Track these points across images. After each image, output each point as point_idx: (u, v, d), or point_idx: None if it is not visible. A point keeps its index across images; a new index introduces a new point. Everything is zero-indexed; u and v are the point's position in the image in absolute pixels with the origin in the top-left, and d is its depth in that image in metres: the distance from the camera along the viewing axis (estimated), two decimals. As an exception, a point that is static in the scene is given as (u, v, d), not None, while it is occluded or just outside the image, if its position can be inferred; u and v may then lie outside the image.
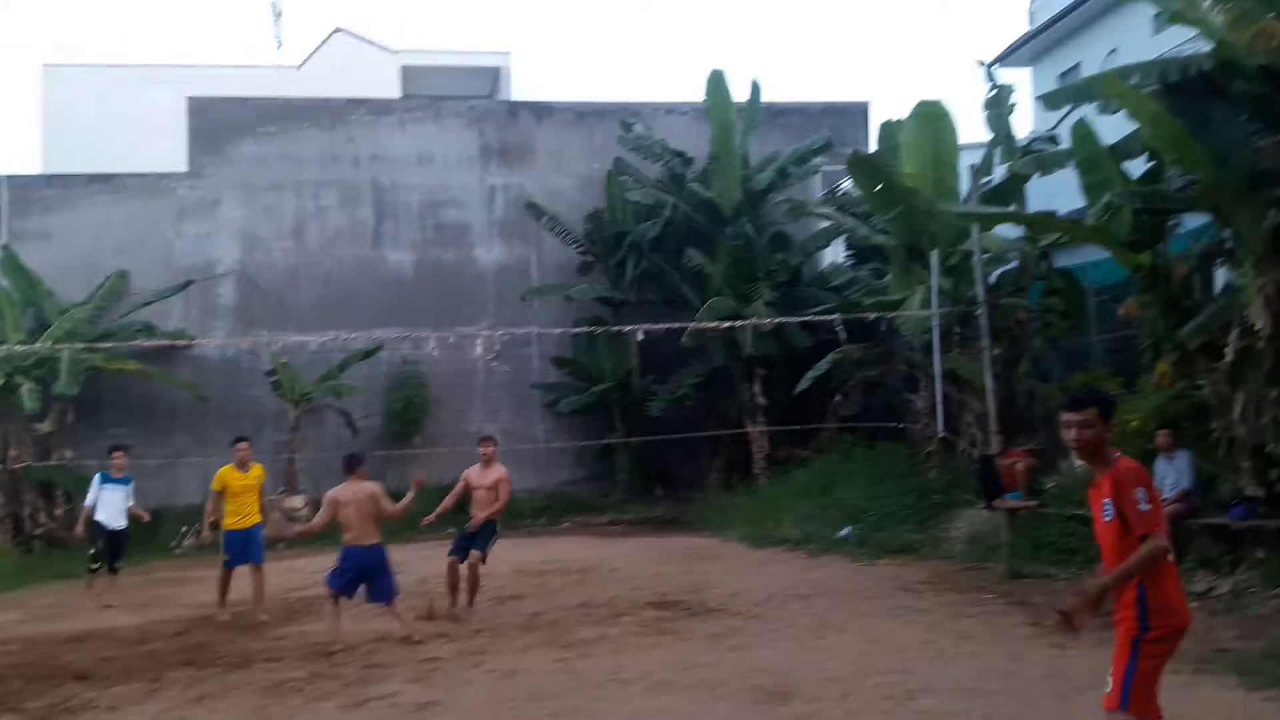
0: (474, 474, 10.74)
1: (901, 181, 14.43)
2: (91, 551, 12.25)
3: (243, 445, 11.10)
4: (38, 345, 17.03)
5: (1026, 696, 6.31)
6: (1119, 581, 4.16)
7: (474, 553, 10.20)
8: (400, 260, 21.86)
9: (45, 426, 18.20)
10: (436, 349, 17.20)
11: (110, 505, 12.07)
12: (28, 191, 20.57)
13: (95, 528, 12.12)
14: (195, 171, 21.16)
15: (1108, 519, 4.30)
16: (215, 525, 11.12)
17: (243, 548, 10.81)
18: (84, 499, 12.55)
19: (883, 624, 8.75)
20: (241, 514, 10.83)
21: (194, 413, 19.84)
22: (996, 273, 15.82)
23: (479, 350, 17.45)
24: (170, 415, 20.03)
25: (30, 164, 36.22)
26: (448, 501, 10.85)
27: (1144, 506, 4.18)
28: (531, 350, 21.74)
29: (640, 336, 16.82)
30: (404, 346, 20.39)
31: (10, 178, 20.57)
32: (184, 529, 17.70)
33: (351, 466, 9.46)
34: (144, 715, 6.94)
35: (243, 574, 10.86)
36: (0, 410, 17.66)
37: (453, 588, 10.42)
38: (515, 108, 23.19)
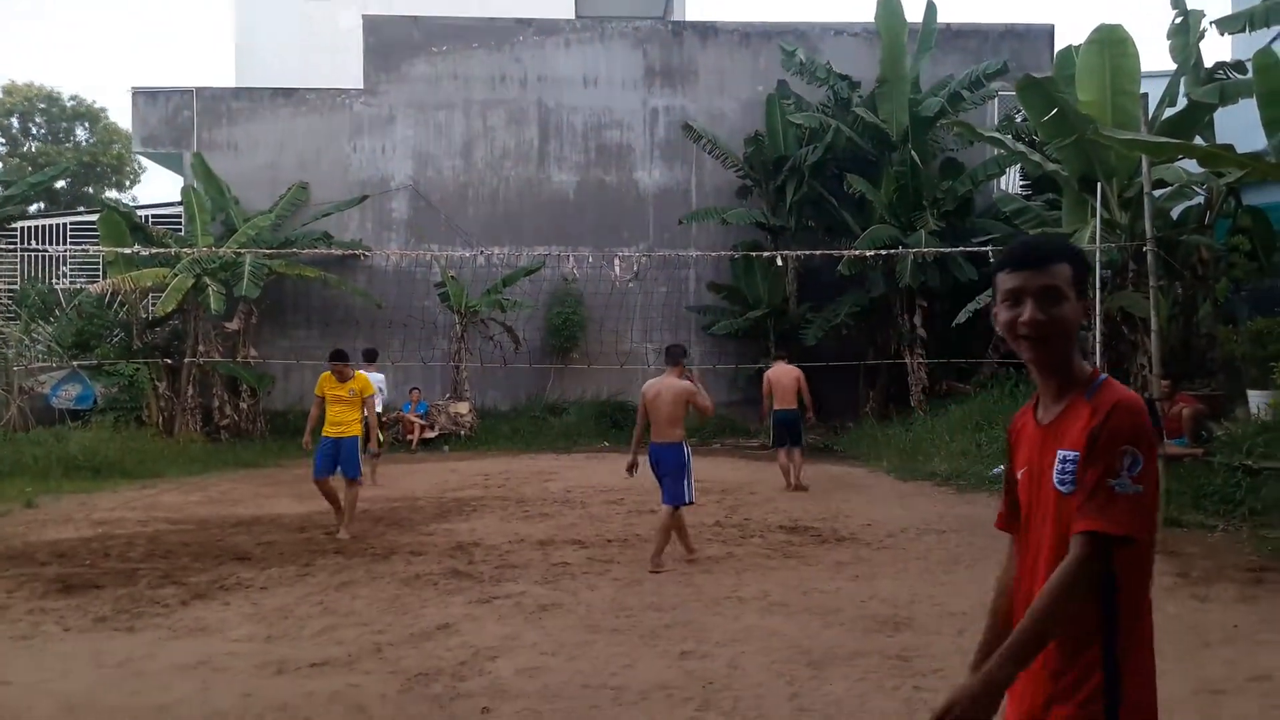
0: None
1: (1076, 108, 13.59)
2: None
3: (337, 365, 10.38)
4: (224, 249, 18.14)
5: (1156, 646, 6.06)
6: (1032, 641, 2.17)
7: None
8: (563, 181, 22.19)
9: (232, 326, 19.55)
10: (574, 269, 17.50)
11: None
12: (216, 103, 21.84)
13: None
14: (371, 89, 21.97)
15: (1062, 489, 2.26)
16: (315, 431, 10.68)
17: (331, 458, 10.24)
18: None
19: (1017, 564, 8.52)
20: (333, 422, 10.30)
21: (369, 319, 20.90)
22: (1179, 208, 14.86)
23: (617, 270, 17.64)
24: (347, 321, 21.15)
25: (224, 78, 38.22)
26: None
27: (1130, 486, 2.15)
28: (688, 273, 21.85)
29: (779, 263, 16.59)
30: (565, 264, 20.82)
31: (200, 90, 21.86)
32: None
33: (675, 359, 9.05)
34: (290, 596, 7.49)
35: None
36: (190, 309, 19.03)
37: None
38: (680, 28, 22.96)
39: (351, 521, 10.08)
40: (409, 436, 19.39)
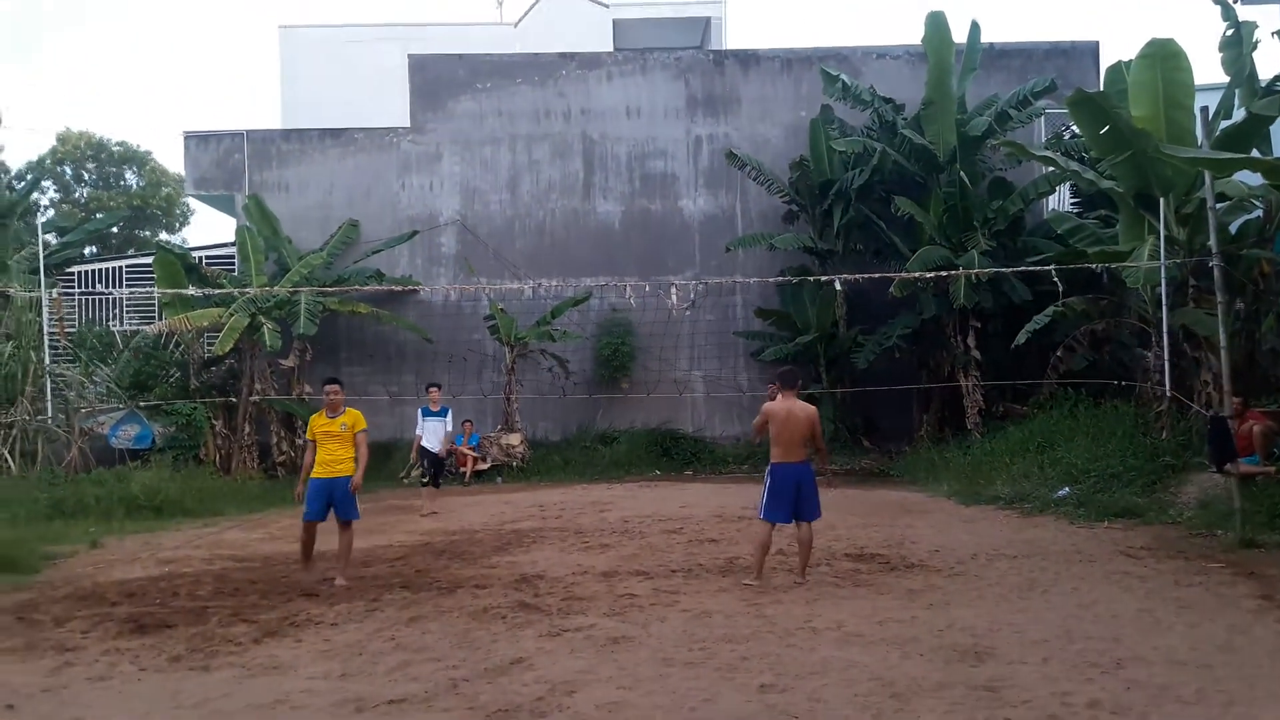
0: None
1: (1130, 123, 13.43)
2: (418, 471, 15.53)
3: (332, 388, 9.80)
4: (279, 288, 18.38)
5: (1245, 673, 5.88)
6: None
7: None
8: (608, 211, 22.30)
9: (287, 363, 19.79)
10: (633, 298, 17.57)
11: (430, 432, 14.71)
12: (267, 145, 22.24)
13: (421, 451, 14.87)
14: (417, 127, 22.27)
15: None
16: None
17: (325, 501, 9.51)
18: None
19: (1096, 588, 8.33)
20: (324, 462, 9.55)
21: (420, 353, 21.11)
22: (1238, 222, 14.59)
23: (674, 299, 17.64)
24: (399, 355, 21.37)
25: (269, 119, 38.87)
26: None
27: None
28: (735, 299, 21.81)
29: (837, 286, 16.52)
30: (612, 294, 20.89)
31: (250, 132, 22.28)
32: (410, 461, 18.86)
33: (790, 382, 9.16)
34: (361, 632, 7.49)
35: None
36: (245, 348, 19.28)
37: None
38: (721, 57, 23.05)
39: (347, 566, 9.44)
40: (462, 469, 19.45)
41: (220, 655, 6.95)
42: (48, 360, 18.07)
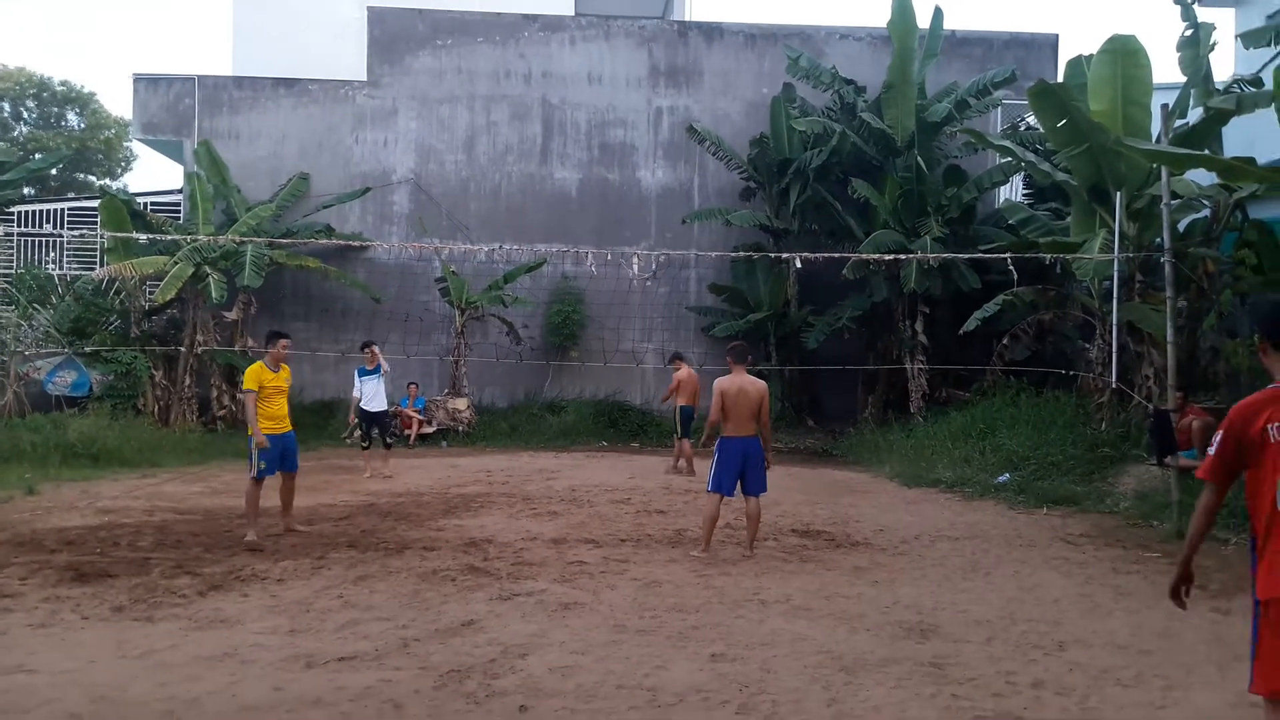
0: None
1: (1088, 117, 13.61)
2: (359, 434, 15.03)
3: (284, 342, 9.90)
4: (226, 238, 18.02)
5: (1183, 659, 6.06)
6: None
7: None
8: (565, 178, 22.12)
9: (231, 315, 19.40)
10: (594, 265, 17.44)
11: (369, 393, 14.29)
12: (218, 92, 21.68)
13: (361, 413, 14.44)
14: (374, 81, 21.85)
15: None
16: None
17: (280, 456, 9.65)
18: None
19: (1037, 573, 8.52)
20: (275, 417, 9.63)
21: (367, 312, 20.78)
22: (1186, 220, 14.89)
23: (635, 267, 17.55)
24: (345, 313, 21.03)
25: (220, 66, 37.86)
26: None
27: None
28: (689, 273, 21.82)
29: (796, 265, 16.54)
30: (565, 263, 20.76)
31: (201, 78, 21.70)
32: (350, 424, 18.60)
33: (741, 357, 9.28)
34: (309, 589, 7.41)
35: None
36: (189, 298, 18.86)
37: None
38: (686, 28, 22.92)
39: (292, 511, 9.89)
40: (406, 431, 19.28)
41: (164, 607, 6.84)
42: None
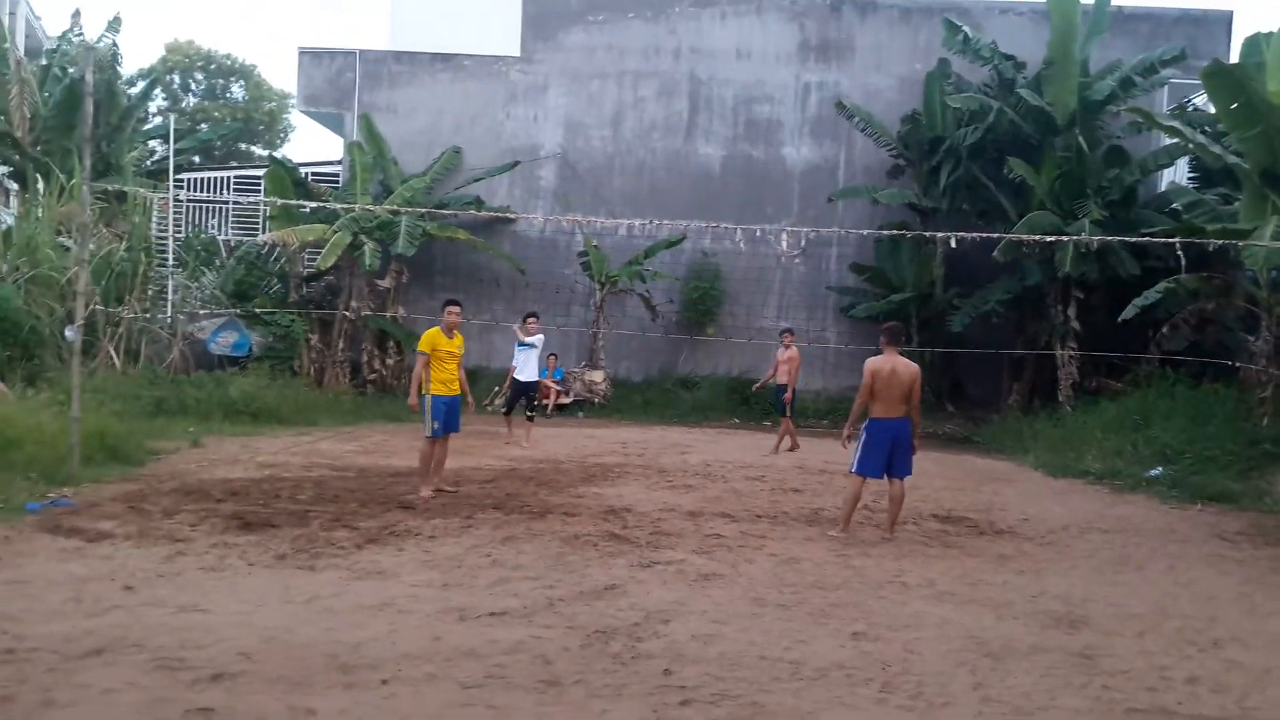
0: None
1: (1266, 98, 12.84)
2: (504, 401, 15.71)
3: (455, 309, 10.19)
4: (383, 208, 18.63)
5: None
6: None
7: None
8: (710, 154, 22.10)
9: (385, 283, 20.14)
10: (742, 241, 17.36)
11: (520, 362, 14.74)
12: (378, 66, 22.40)
13: (513, 383, 14.98)
14: (527, 56, 22.21)
15: None
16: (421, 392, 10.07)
17: (450, 417, 10.04)
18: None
19: (1192, 569, 8.18)
20: (447, 381, 9.99)
21: (512, 284, 21.29)
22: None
23: (784, 245, 17.43)
24: (491, 284, 21.55)
25: (377, 42, 39.01)
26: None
27: None
28: (830, 252, 21.58)
29: (952, 245, 16.10)
30: (705, 239, 20.77)
31: (363, 52, 22.46)
32: (495, 388, 19.10)
33: (895, 339, 9.11)
34: (459, 546, 7.69)
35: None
36: (345, 265, 19.65)
37: None
38: (839, 3, 22.48)
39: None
40: (544, 401, 19.69)
41: (324, 557, 7.20)
42: (159, 263, 18.65)
